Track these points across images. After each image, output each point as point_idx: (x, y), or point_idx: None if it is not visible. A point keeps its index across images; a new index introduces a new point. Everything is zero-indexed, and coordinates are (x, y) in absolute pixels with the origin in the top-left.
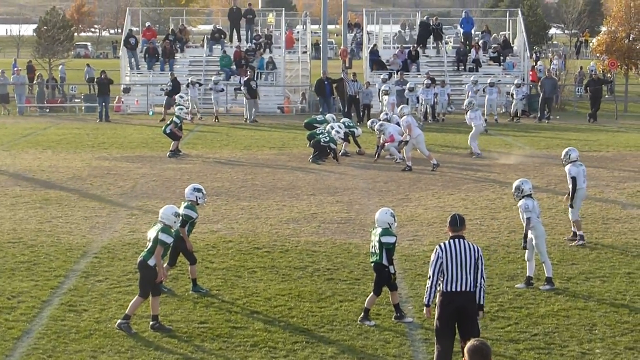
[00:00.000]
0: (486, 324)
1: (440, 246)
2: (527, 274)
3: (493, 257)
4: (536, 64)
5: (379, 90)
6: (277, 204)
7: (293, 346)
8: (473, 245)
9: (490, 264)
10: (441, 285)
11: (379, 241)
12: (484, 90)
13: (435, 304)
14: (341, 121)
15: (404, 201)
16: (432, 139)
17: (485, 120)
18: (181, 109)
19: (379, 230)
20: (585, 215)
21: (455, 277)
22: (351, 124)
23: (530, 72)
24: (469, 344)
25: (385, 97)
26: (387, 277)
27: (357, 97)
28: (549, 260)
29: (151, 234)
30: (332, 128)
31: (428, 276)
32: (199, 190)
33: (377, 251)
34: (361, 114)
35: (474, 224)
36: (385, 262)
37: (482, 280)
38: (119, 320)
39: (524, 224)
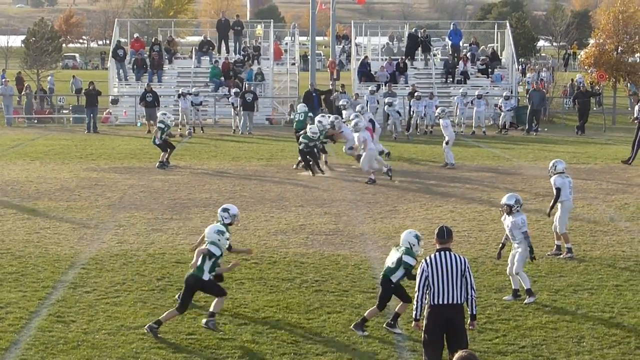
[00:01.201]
0: (474, 336)
1: (425, 260)
2: (514, 287)
3: (481, 269)
4: (524, 75)
5: (367, 102)
6: (265, 215)
7: (281, 358)
8: (460, 257)
9: (478, 276)
10: (428, 298)
11: (400, 258)
12: (472, 103)
13: (424, 317)
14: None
15: (392, 213)
16: (420, 150)
17: (473, 132)
18: (164, 114)
19: (403, 249)
20: (573, 227)
21: (442, 290)
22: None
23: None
24: (456, 355)
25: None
26: (391, 293)
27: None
28: (524, 273)
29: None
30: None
31: (415, 290)
32: (225, 210)
33: (393, 266)
34: None
35: (462, 236)
36: (394, 279)
37: (472, 291)
38: (204, 320)
39: (522, 238)
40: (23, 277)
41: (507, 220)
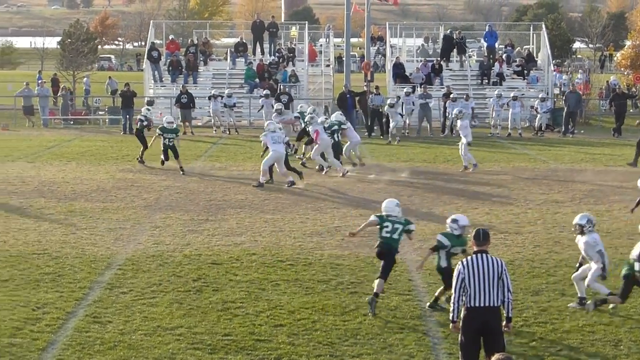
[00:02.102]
0: (511, 339)
1: (462, 262)
2: (579, 295)
3: (518, 271)
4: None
5: (402, 103)
6: (301, 217)
7: (317, 359)
8: (496, 260)
9: (514, 278)
10: (465, 300)
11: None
12: (507, 104)
13: (461, 319)
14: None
15: (428, 215)
16: (455, 152)
17: (509, 134)
18: (148, 109)
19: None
20: (611, 230)
21: (479, 293)
22: (336, 126)
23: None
24: (493, 358)
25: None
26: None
27: (380, 110)
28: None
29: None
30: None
31: (452, 292)
32: (454, 221)
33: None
34: (384, 127)
35: (498, 239)
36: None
37: (509, 293)
38: (369, 297)
39: (598, 257)
40: (60, 278)
41: (580, 242)
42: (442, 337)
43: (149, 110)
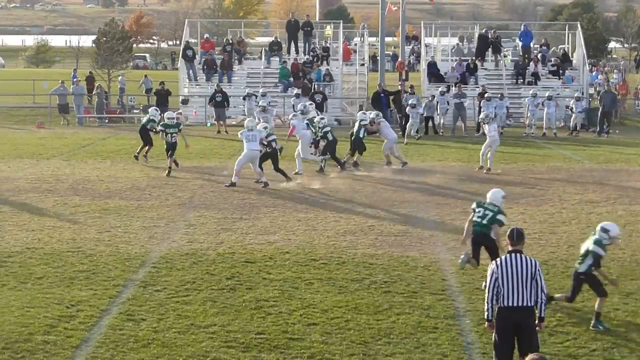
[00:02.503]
0: (544, 339)
1: (495, 262)
2: None
3: (552, 271)
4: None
5: (437, 102)
6: (334, 215)
7: (350, 358)
8: (530, 260)
9: (548, 278)
10: (499, 300)
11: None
12: (542, 104)
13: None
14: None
15: (462, 214)
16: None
17: (544, 133)
18: (156, 109)
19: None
20: None
21: (512, 292)
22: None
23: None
24: (527, 358)
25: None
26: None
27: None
28: None
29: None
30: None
31: (485, 291)
32: (605, 230)
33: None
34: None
35: (533, 238)
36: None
37: (543, 294)
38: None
39: None
40: (94, 276)
41: None
42: (476, 337)
43: (157, 110)
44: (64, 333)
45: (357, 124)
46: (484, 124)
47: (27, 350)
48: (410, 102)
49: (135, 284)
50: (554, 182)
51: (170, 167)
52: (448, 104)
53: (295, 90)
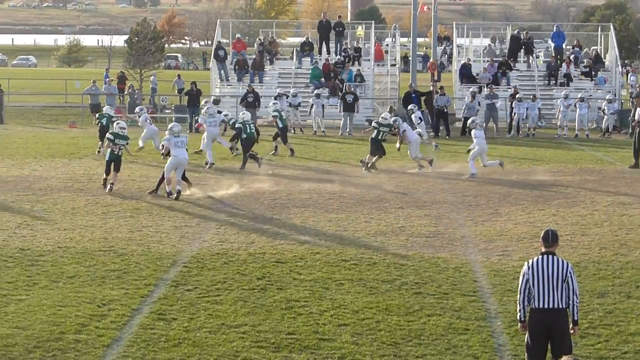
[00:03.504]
0: (576, 341)
1: (527, 263)
2: None
3: (583, 273)
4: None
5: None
6: (365, 216)
7: (380, 359)
8: (563, 262)
9: (580, 280)
10: (530, 301)
11: None
12: (575, 105)
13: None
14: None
15: (494, 216)
16: (522, 153)
17: (576, 135)
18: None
19: None
20: None
21: (543, 294)
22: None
23: None
24: None
25: None
26: None
27: (445, 110)
28: None
29: None
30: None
31: (517, 292)
32: None
33: None
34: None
35: (565, 240)
36: None
37: (575, 296)
38: None
39: None
40: (125, 275)
41: None
42: (507, 339)
43: (111, 108)
44: (95, 332)
45: (374, 124)
46: (472, 128)
47: (58, 349)
48: (438, 104)
49: (167, 284)
50: (585, 184)
51: (112, 184)
52: (479, 104)
53: (315, 91)
